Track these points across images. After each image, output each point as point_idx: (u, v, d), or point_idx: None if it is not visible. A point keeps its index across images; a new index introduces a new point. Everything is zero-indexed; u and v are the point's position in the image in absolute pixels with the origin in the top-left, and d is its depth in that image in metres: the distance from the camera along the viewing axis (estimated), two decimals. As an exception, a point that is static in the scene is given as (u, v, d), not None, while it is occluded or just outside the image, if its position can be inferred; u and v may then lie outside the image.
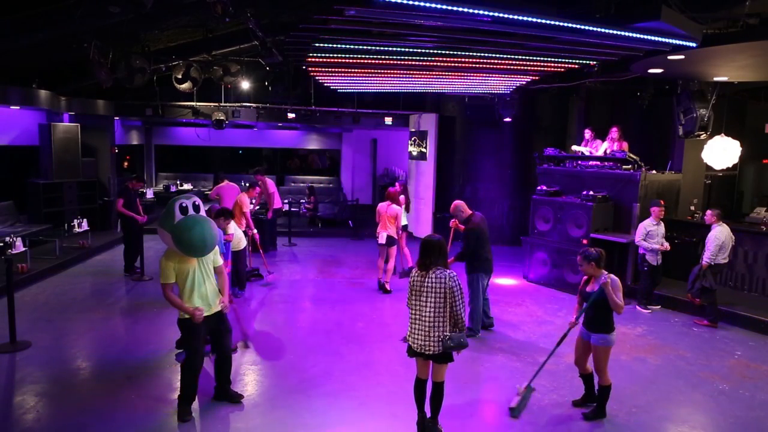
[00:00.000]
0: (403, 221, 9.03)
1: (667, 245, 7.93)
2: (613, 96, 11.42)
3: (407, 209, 9.99)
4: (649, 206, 8.17)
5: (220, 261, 4.89)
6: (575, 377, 5.75)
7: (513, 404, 5.00)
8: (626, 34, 5.59)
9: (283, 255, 11.44)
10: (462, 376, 5.70)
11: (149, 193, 15.04)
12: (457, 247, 6.98)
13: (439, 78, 9.40)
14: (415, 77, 9.32)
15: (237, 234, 7.64)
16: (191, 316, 4.50)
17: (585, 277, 4.95)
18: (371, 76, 9.25)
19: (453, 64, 7.90)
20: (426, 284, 4.25)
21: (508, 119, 11.53)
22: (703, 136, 8.93)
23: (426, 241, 4.35)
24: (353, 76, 9.41)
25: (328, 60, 7.79)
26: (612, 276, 4.71)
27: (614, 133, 9.65)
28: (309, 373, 5.70)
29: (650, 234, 7.91)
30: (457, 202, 7.01)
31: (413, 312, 4.34)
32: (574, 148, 10.44)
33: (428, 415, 4.52)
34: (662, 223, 7.95)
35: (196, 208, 4.55)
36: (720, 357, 6.44)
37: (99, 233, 11.65)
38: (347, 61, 7.79)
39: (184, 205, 4.47)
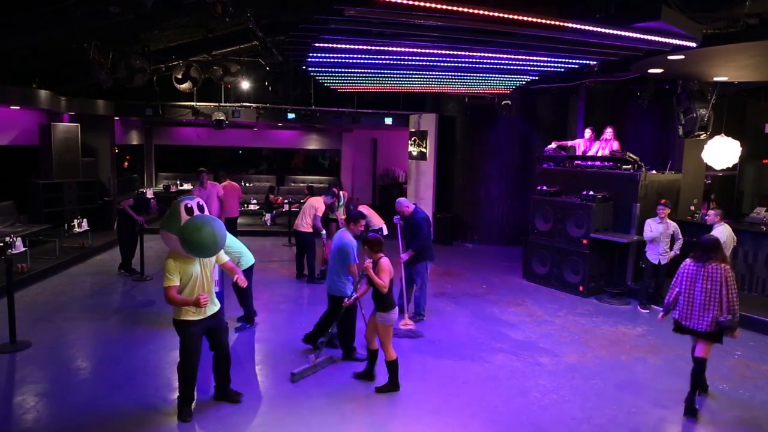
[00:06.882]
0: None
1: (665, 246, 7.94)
2: (613, 96, 11.42)
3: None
4: (650, 207, 8.20)
5: (225, 258, 4.88)
6: (575, 377, 5.77)
7: (297, 370, 5.49)
8: (626, 34, 5.59)
9: (284, 254, 11.44)
10: (461, 376, 5.71)
11: (149, 193, 15.03)
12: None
13: (439, 78, 9.40)
14: (415, 77, 9.32)
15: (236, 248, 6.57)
16: (197, 304, 4.47)
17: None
18: (371, 76, 9.25)
19: (453, 64, 7.90)
20: (701, 273, 4.99)
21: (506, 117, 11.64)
22: (703, 136, 8.93)
23: (704, 240, 5.11)
24: (353, 77, 9.41)
25: (328, 60, 7.79)
26: (383, 259, 5.17)
27: (607, 133, 9.71)
28: (309, 373, 5.70)
29: (654, 231, 7.93)
30: (400, 199, 7.50)
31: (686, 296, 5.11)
32: (569, 143, 10.49)
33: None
34: (670, 223, 7.94)
35: (201, 209, 4.52)
36: (720, 357, 6.42)
37: (99, 233, 11.64)
38: (347, 61, 7.78)
39: (189, 205, 4.42)
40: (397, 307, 5.30)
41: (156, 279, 9.02)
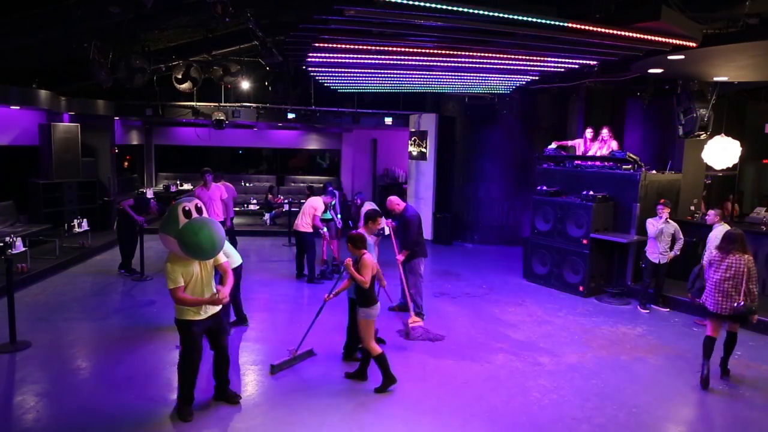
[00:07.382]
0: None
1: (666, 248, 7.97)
2: (613, 96, 11.42)
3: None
4: (650, 207, 8.22)
5: (223, 259, 4.87)
6: (576, 377, 5.76)
7: (276, 362, 5.62)
8: (626, 34, 5.59)
9: (284, 254, 11.45)
10: (461, 376, 5.71)
11: (149, 193, 15.05)
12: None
13: (439, 78, 9.40)
14: (415, 77, 9.31)
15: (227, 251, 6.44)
16: (213, 303, 4.55)
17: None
18: (371, 76, 9.25)
19: (453, 64, 7.90)
20: (724, 263, 5.46)
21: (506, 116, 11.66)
22: (703, 136, 8.93)
23: (728, 233, 5.68)
24: (353, 76, 9.41)
25: (328, 60, 7.79)
26: (366, 255, 5.20)
27: (604, 134, 9.73)
28: (309, 373, 5.70)
29: (656, 227, 7.93)
30: (391, 197, 7.53)
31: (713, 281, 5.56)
32: (569, 143, 10.50)
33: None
34: (670, 223, 7.94)
35: (199, 211, 4.51)
36: (720, 357, 6.43)
37: (99, 233, 11.64)
38: (347, 61, 7.78)
39: (187, 208, 4.42)
40: (378, 303, 5.29)
41: (156, 279, 9.03)
